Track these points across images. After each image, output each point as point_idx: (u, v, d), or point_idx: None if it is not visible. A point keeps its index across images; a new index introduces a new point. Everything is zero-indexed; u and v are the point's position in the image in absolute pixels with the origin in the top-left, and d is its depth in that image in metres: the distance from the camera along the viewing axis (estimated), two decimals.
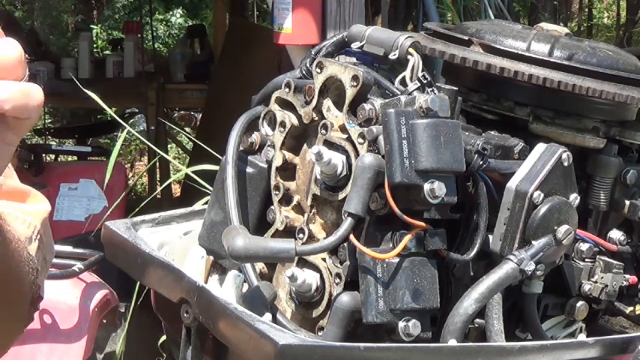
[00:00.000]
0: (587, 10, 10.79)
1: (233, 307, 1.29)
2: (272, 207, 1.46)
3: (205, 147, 3.02)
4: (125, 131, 3.12)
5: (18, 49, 0.87)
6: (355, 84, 1.36)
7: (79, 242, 3.55)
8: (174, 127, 6.13)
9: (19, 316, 1.22)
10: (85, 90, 2.97)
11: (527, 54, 1.46)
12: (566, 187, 1.39)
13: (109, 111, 3.23)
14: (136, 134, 3.40)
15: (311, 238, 1.40)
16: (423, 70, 1.39)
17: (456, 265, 1.37)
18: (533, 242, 1.36)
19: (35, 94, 0.88)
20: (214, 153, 2.73)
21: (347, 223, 1.30)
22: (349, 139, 1.36)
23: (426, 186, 1.27)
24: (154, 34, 8.30)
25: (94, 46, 7.84)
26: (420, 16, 4.42)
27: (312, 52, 1.52)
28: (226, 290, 1.46)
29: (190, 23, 9.70)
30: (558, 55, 1.47)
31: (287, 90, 1.46)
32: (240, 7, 7.14)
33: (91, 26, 9.25)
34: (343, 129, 1.38)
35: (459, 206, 1.35)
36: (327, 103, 1.41)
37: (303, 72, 1.50)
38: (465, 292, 1.33)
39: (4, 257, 1.06)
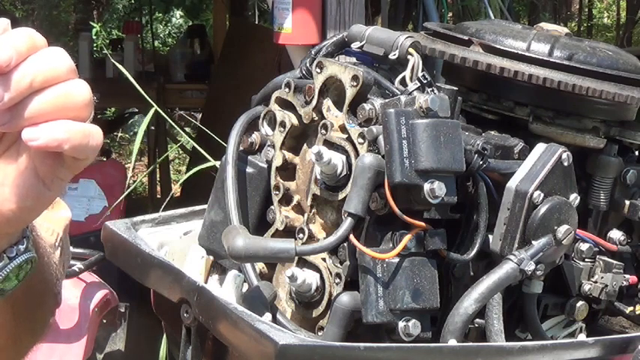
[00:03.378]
0: (587, 10, 10.79)
1: (233, 307, 1.29)
2: (272, 207, 1.47)
3: (204, 149, 3.01)
4: (152, 113, 3.07)
5: (88, 91, 0.89)
6: (355, 84, 1.36)
7: (79, 242, 3.55)
8: (189, 114, 6.09)
9: (45, 323, 1.23)
10: (136, 85, 2.94)
11: (527, 54, 1.46)
12: (566, 187, 1.39)
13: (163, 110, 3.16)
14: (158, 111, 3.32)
15: (311, 238, 1.40)
16: (423, 70, 1.39)
17: (456, 265, 1.37)
18: (533, 242, 1.36)
19: (95, 135, 0.88)
20: (222, 142, 2.72)
21: (347, 223, 1.30)
22: (349, 139, 1.36)
23: (426, 186, 1.27)
24: (154, 34, 8.30)
25: (94, 45, 7.85)
26: (420, 16, 4.43)
27: (312, 52, 1.52)
28: (226, 290, 1.46)
29: (190, 24, 9.70)
30: (558, 55, 1.47)
31: (287, 90, 1.46)
32: (240, 7, 7.15)
33: (92, 24, 9.26)
34: (343, 129, 1.38)
35: (459, 206, 1.35)
36: (327, 103, 1.41)
37: (303, 72, 1.50)
38: (465, 292, 1.33)
39: (40, 271, 1.06)
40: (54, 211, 1.26)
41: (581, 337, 1.47)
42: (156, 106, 3.03)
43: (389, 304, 1.29)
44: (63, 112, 0.86)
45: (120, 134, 9.02)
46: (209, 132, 3.00)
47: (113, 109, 8.31)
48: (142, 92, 2.93)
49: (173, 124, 3.79)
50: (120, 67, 3.27)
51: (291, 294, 1.41)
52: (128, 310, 3.35)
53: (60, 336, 2.89)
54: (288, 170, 1.47)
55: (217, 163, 2.79)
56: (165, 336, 2.88)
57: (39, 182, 0.89)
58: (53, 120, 0.86)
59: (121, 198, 3.60)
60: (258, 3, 8.57)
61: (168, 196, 3.44)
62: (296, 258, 1.37)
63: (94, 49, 7.58)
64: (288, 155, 1.46)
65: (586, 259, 1.47)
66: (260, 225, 1.48)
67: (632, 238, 1.53)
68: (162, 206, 2.78)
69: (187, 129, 7.55)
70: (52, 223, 1.25)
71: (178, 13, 10.42)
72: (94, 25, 9.34)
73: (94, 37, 8.87)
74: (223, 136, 1.52)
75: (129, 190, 3.47)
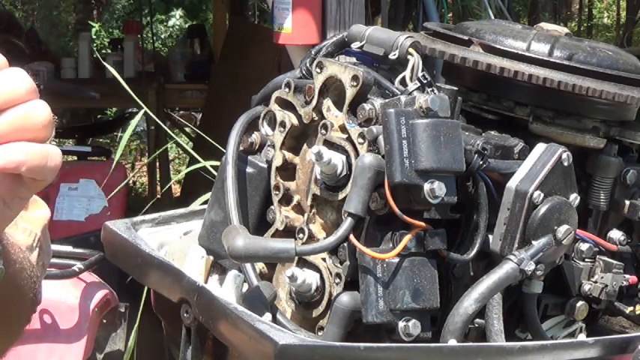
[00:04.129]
0: (587, 10, 10.79)
1: (233, 307, 1.29)
2: (272, 207, 1.47)
3: (203, 149, 3.01)
4: (140, 114, 3.06)
5: (48, 112, 0.88)
6: (355, 84, 1.36)
7: (79, 242, 3.55)
8: (189, 116, 6.07)
9: (21, 323, 1.23)
10: (127, 87, 2.94)
11: (527, 54, 1.46)
12: (566, 187, 1.39)
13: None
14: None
15: (311, 238, 1.40)
16: (423, 70, 1.39)
17: (456, 265, 1.37)
18: (533, 242, 1.36)
19: (53, 156, 0.89)
20: (218, 146, 2.73)
21: (347, 223, 1.30)
22: (349, 139, 1.36)
23: (426, 186, 1.28)
24: (154, 34, 8.30)
25: (94, 44, 7.85)
26: (420, 16, 4.43)
27: (312, 52, 1.53)
28: (226, 290, 1.46)
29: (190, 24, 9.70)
30: (558, 55, 1.47)
31: (287, 90, 1.46)
32: (240, 7, 7.15)
33: (91, 23, 9.26)
34: (343, 129, 1.38)
35: (459, 206, 1.35)
36: (327, 103, 1.41)
37: (303, 72, 1.50)
38: (465, 292, 1.33)
39: (12, 277, 1.06)
40: (31, 211, 1.26)
41: (581, 337, 1.47)
42: (145, 108, 3.03)
43: (389, 304, 1.29)
44: (22, 134, 0.86)
45: (120, 134, 9.02)
46: (205, 136, 3.00)
47: (114, 109, 8.31)
48: (132, 94, 2.93)
49: (164, 126, 3.79)
50: (112, 70, 3.24)
51: (291, 294, 1.41)
52: (128, 310, 3.35)
53: (60, 336, 2.89)
54: (288, 170, 1.47)
55: (208, 164, 2.79)
56: (137, 326, 2.88)
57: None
58: (12, 141, 0.86)
59: (116, 190, 3.59)
60: (258, 3, 8.57)
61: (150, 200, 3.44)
62: (296, 258, 1.37)
63: (94, 48, 7.58)
64: (288, 155, 1.46)
65: (586, 259, 1.47)
66: (260, 225, 1.48)
67: (632, 238, 1.53)
68: (151, 202, 2.79)
69: (187, 129, 7.55)
70: (29, 224, 1.24)
71: (178, 13, 10.42)
72: (94, 24, 9.34)
73: (94, 37, 8.87)
74: (223, 137, 1.52)
75: (123, 183, 3.46)
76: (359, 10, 3.38)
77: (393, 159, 1.28)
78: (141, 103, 3.01)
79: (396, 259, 1.30)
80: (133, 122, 3.12)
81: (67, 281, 2.95)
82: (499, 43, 1.49)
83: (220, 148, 2.69)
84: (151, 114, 3.18)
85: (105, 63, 3.99)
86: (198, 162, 2.98)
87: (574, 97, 1.46)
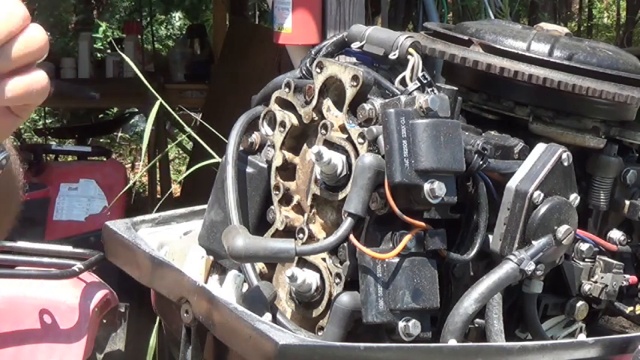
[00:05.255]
0: (587, 10, 10.79)
1: (233, 307, 1.29)
2: (272, 207, 1.47)
3: (204, 148, 3.01)
4: (157, 106, 3.06)
5: (44, 32, 0.94)
6: (355, 84, 1.36)
7: (79, 242, 3.55)
8: (195, 112, 6.05)
9: (10, 220, 1.27)
10: (144, 80, 2.94)
11: (527, 54, 1.46)
12: (566, 187, 1.39)
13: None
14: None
15: (311, 238, 1.40)
16: (423, 70, 1.39)
17: (456, 265, 1.37)
18: (533, 242, 1.36)
19: (39, 81, 0.94)
20: (220, 137, 2.72)
21: (347, 223, 1.30)
22: (349, 139, 1.36)
23: (426, 186, 1.28)
24: (154, 34, 8.31)
25: (99, 44, 7.84)
26: (420, 16, 4.42)
27: (312, 52, 1.53)
28: (226, 290, 1.46)
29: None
30: (558, 55, 1.47)
31: (287, 90, 1.46)
32: (240, 7, 7.15)
33: (98, 22, 9.26)
34: (343, 129, 1.38)
35: (459, 206, 1.35)
36: (327, 103, 1.41)
37: (303, 72, 1.50)
38: (465, 292, 1.33)
39: (11, 164, 1.14)
40: None
41: (581, 337, 1.47)
42: (161, 100, 3.02)
43: (389, 304, 1.29)
44: (30, 57, 0.93)
45: (120, 134, 9.02)
46: (210, 127, 2.99)
47: (114, 109, 8.31)
48: (149, 86, 2.93)
49: (177, 117, 3.78)
50: (129, 60, 3.25)
51: (291, 294, 1.41)
52: (128, 310, 3.35)
53: (60, 336, 2.89)
54: (288, 170, 1.47)
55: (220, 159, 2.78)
56: (154, 334, 2.88)
57: (12, 114, 0.96)
58: (25, 65, 0.92)
59: (120, 193, 3.59)
60: (258, 3, 8.58)
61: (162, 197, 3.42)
62: (296, 258, 1.37)
63: (100, 47, 7.57)
64: (288, 155, 1.46)
65: (586, 259, 1.47)
66: (260, 225, 1.48)
67: (632, 238, 1.53)
68: (157, 205, 2.78)
69: (187, 128, 7.54)
70: None
71: (177, 16, 10.42)
72: (100, 23, 9.35)
73: (101, 36, 8.86)
74: (223, 137, 1.52)
75: (128, 186, 3.46)
76: (359, 10, 3.38)
77: (393, 159, 1.28)
78: (158, 96, 3.00)
79: (396, 259, 1.30)
80: (152, 114, 3.11)
81: (67, 281, 2.95)
82: (499, 43, 1.49)
83: (224, 139, 2.68)
84: (166, 105, 3.16)
85: (124, 56, 3.97)
86: (200, 161, 2.98)
87: (574, 97, 1.46)
